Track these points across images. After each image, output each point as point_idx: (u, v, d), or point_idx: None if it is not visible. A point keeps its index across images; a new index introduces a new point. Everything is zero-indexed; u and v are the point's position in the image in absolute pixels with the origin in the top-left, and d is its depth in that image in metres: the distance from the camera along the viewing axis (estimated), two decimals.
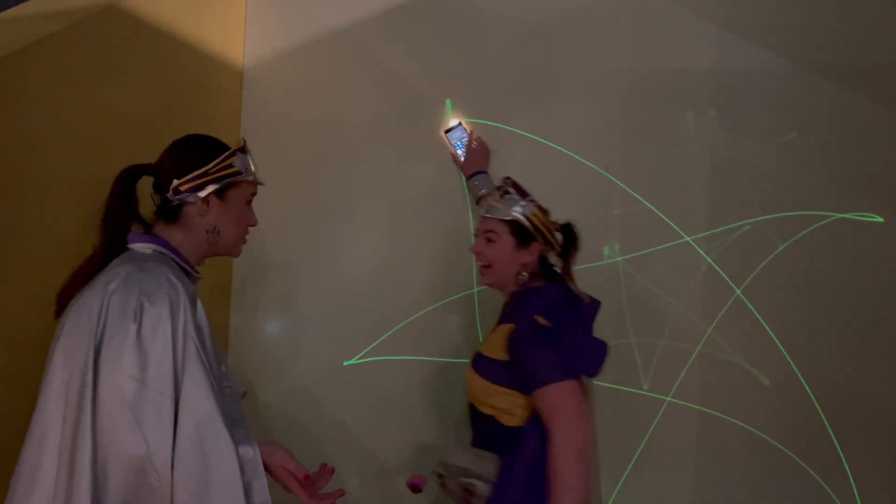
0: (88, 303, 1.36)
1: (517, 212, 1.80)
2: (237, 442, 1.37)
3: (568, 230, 1.86)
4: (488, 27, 2.39)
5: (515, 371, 1.69)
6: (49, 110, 1.70)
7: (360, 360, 2.43)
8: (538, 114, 2.36)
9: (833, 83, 2.25)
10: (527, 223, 1.80)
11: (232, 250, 1.60)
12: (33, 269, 1.65)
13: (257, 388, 2.43)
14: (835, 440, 2.23)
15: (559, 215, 2.33)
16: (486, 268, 1.84)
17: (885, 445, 2.22)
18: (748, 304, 2.26)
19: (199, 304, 1.45)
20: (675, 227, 2.28)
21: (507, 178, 1.88)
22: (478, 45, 2.39)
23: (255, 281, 2.48)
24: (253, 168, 1.58)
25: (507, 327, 1.73)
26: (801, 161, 2.25)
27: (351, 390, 2.44)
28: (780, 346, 2.25)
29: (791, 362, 2.24)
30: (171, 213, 1.51)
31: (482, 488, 1.70)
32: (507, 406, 1.72)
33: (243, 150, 1.56)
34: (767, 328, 2.25)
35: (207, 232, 1.51)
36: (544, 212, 1.86)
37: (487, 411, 1.75)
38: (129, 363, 1.30)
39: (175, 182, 1.48)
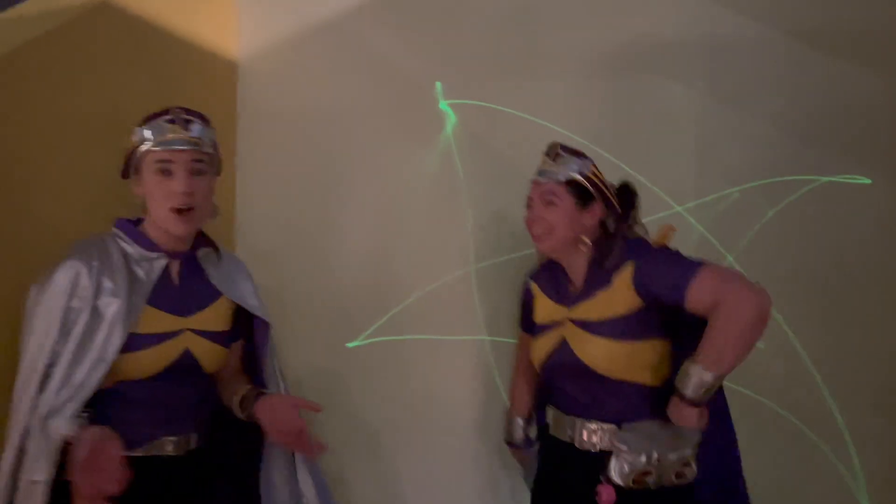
0: None
1: (574, 170, 1.73)
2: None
3: (626, 189, 1.78)
4: (475, 8, 2.42)
5: (655, 307, 1.61)
6: (45, 108, 1.75)
7: (363, 342, 2.48)
8: (527, 91, 2.39)
9: (817, 49, 2.27)
10: (586, 182, 1.72)
11: (165, 223, 1.59)
12: (34, 262, 1.70)
13: None
14: (831, 401, 2.26)
15: None
16: (545, 234, 1.74)
17: (881, 405, 2.25)
18: (741, 270, 2.29)
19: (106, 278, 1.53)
20: (666, 198, 2.31)
21: (557, 143, 1.81)
22: (466, 27, 2.43)
23: (256, 267, 2.53)
24: (158, 135, 1.55)
25: (625, 272, 1.63)
26: (788, 127, 2.27)
27: (355, 372, 2.49)
28: (774, 310, 2.27)
29: (785, 326, 2.27)
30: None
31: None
32: (655, 360, 1.64)
33: (148, 118, 1.58)
34: None
35: (148, 212, 1.60)
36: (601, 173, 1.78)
37: (637, 378, 1.64)
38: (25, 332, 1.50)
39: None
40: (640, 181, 2.31)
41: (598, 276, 1.70)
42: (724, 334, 1.50)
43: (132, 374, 1.54)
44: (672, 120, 2.33)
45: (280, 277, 2.53)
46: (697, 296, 1.53)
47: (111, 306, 1.51)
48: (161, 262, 1.62)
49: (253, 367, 1.82)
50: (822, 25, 2.27)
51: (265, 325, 1.77)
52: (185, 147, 1.55)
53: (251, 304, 1.76)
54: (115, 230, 1.62)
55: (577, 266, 1.77)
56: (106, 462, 1.33)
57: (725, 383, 2.27)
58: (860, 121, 2.25)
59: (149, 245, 1.60)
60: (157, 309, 1.58)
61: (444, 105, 2.43)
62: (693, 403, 1.54)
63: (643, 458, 1.54)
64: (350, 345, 2.48)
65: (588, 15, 2.36)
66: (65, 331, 1.48)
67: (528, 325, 1.97)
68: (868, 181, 2.23)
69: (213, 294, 1.70)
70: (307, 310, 2.51)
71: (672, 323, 1.66)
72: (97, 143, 1.89)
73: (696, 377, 1.53)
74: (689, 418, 1.55)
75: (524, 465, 2.06)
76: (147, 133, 1.55)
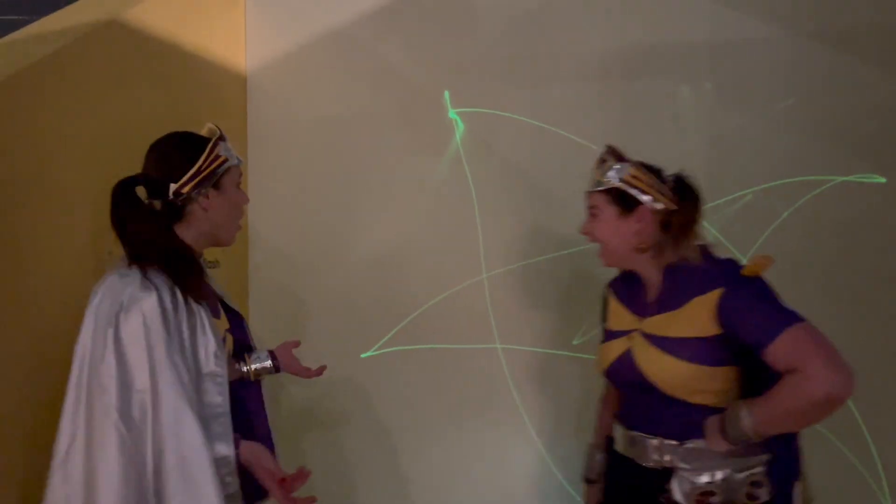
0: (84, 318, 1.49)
1: (611, 177, 1.63)
2: (213, 439, 1.44)
3: (680, 183, 1.66)
4: (481, 15, 2.43)
5: (733, 339, 1.49)
6: (59, 124, 1.76)
7: (376, 352, 2.48)
8: (535, 98, 2.39)
9: (828, 47, 2.25)
10: (625, 187, 1.62)
11: (230, 236, 1.64)
12: (49, 270, 1.71)
13: (276, 383, 2.49)
14: (851, 402, 2.24)
15: (561, 197, 2.38)
16: (601, 248, 1.68)
17: None
18: None
19: (188, 300, 1.51)
20: None
21: (607, 145, 1.71)
22: (472, 35, 2.43)
23: (270, 279, 2.55)
24: (232, 150, 1.64)
25: (711, 296, 1.51)
26: (800, 127, 2.26)
27: (369, 382, 2.49)
28: None
29: None
30: (175, 213, 1.58)
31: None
32: (725, 386, 1.54)
33: (223, 137, 1.61)
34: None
35: (200, 224, 1.58)
36: (649, 170, 1.65)
37: (699, 400, 1.54)
38: (107, 365, 1.41)
39: (173, 186, 1.54)
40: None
41: (678, 291, 1.59)
42: (785, 404, 1.42)
43: None
44: (682, 123, 2.32)
45: (293, 289, 2.54)
46: (779, 355, 1.43)
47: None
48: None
49: None
50: (831, 24, 2.26)
51: (240, 317, 1.82)
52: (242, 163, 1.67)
53: (228, 297, 1.79)
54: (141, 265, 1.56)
55: (651, 275, 1.66)
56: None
57: None
58: (873, 119, 2.23)
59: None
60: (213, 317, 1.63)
61: (452, 114, 2.44)
62: (728, 440, 1.49)
63: (705, 478, 1.49)
64: (364, 355, 2.48)
65: (594, 20, 2.36)
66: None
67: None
68: (883, 180, 2.21)
69: (214, 295, 1.73)
70: (320, 321, 2.51)
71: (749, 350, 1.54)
72: (109, 159, 1.90)
73: (742, 424, 1.45)
74: (718, 446, 1.50)
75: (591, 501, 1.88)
76: (229, 149, 1.61)
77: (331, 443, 2.50)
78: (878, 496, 2.22)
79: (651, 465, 1.58)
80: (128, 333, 1.43)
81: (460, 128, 2.44)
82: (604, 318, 1.82)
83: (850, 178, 2.23)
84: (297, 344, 1.90)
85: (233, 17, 2.52)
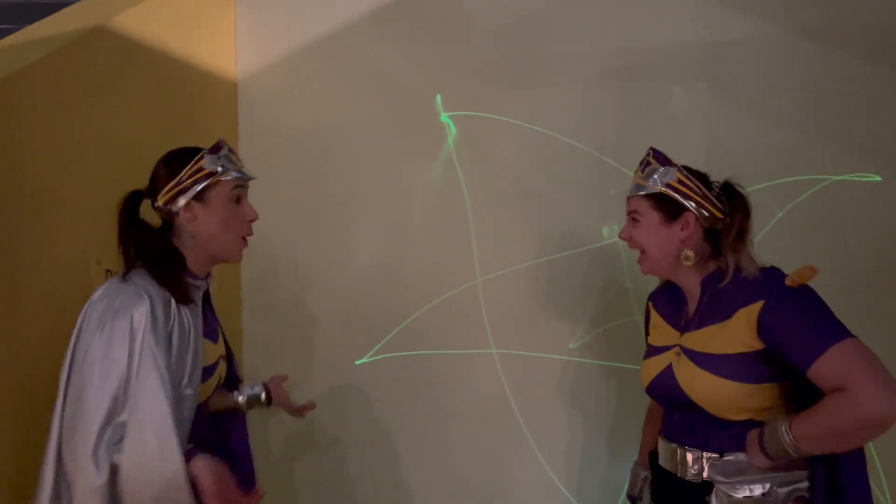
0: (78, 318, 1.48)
1: (656, 181, 1.56)
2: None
3: (729, 189, 1.59)
4: (473, 19, 2.42)
5: (774, 355, 1.44)
6: (46, 132, 1.74)
7: (371, 359, 2.46)
8: (529, 101, 2.38)
9: (821, 46, 2.24)
10: (670, 192, 1.55)
11: (229, 252, 1.61)
12: (36, 278, 1.69)
13: None
14: None
15: (555, 200, 2.37)
16: (641, 255, 1.62)
17: None
18: None
19: (183, 311, 1.50)
20: None
21: (651, 148, 1.65)
22: (464, 39, 2.42)
23: (263, 286, 2.53)
24: (232, 164, 1.59)
25: (752, 309, 1.45)
26: (794, 126, 2.25)
27: (365, 389, 2.47)
28: None
29: None
30: (168, 226, 1.58)
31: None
32: (770, 403, 1.48)
33: (215, 149, 1.58)
34: None
35: (190, 238, 1.55)
36: (697, 175, 1.59)
37: (743, 417, 1.49)
38: (88, 368, 1.40)
39: (157, 197, 1.55)
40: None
41: (718, 304, 1.53)
42: (829, 422, 1.37)
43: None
44: (676, 123, 2.31)
45: (287, 296, 2.52)
46: (824, 372, 1.37)
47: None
48: (202, 289, 1.62)
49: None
50: (825, 23, 2.25)
51: (230, 351, 1.82)
52: (252, 177, 1.63)
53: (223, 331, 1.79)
54: (142, 274, 1.55)
55: (691, 286, 1.60)
56: (230, 488, 1.42)
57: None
58: (867, 118, 2.22)
59: (192, 275, 1.59)
60: (206, 339, 1.61)
61: (444, 117, 2.42)
62: (767, 455, 1.45)
63: (743, 493, 1.45)
64: (359, 362, 2.46)
65: (586, 22, 2.35)
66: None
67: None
68: (878, 178, 2.20)
69: (215, 318, 1.71)
70: (314, 328, 2.49)
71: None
72: (97, 167, 1.89)
73: (782, 440, 1.41)
74: (758, 461, 1.46)
75: None
76: (219, 162, 1.57)
77: (326, 450, 2.48)
78: (879, 498, 2.20)
79: (691, 478, 1.53)
80: (114, 336, 1.42)
81: (453, 132, 2.43)
82: (646, 331, 1.78)
83: (846, 176, 2.22)
84: (285, 377, 1.92)
85: (223, 23, 2.51)
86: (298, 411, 1.92)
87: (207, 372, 1.58)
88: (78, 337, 1.46)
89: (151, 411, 1.38)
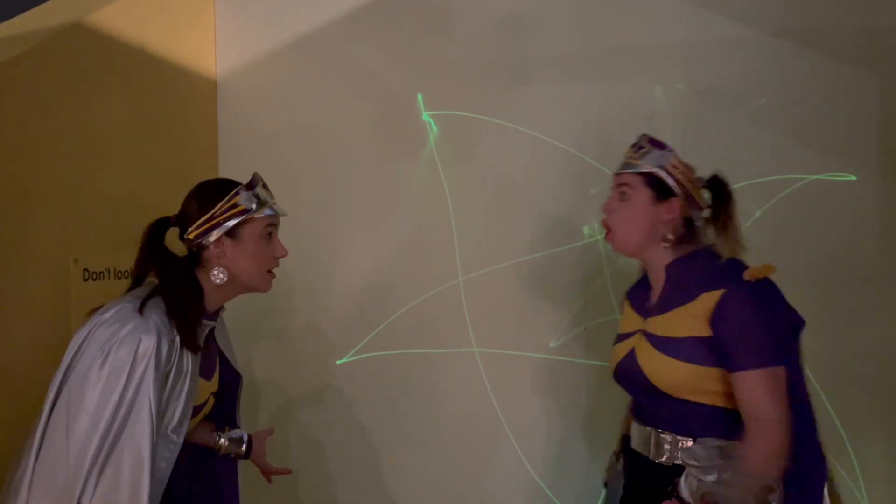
0: (80, 330, 1.44)
1: (654, 162, 1.61)
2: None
3: (716, 183, 1.64)
4: (454, 19, 2.42)
5: (720, 346, 1.49)
6: (22, 129, 1.73)
7: (352, 358, 2.46)
8: (510, 100, 2.38)
9: (798, 47, 2.26)
10: (664, 175, 1.60)
11: (259, 285, 1.61)
12: (12, 276, 1.68)
13: (252, 390, 2.45)
14: (825, 401, 2.24)
15: (537, 200, 2.38)
16: (612, 231, 1.64)
17: (875, 404, 2.23)
18: None
19: (185, 352, 1.47)
20: None
21: (644, 134, 1.71)
22: (445, 38, 2.42)
23: None
24: (266, 200, 1.59)
25: (711, 297, 1.49)
26: (771, 126, 2.27)
27: (346, 389, 2.47)
28: None
29: None
30: (193, 258, 1.57)
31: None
32: (724, 387, 1.51)
33: (251, 185, 1.58)
34: None
35: (214, 273, 1.53)
36: (687, 166, 1.65)
37: (706, 400, 1.52)
38: (77, 393, 1.38)
39: (188, 230, 1.53)
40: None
41: (680, 291, 1.58)
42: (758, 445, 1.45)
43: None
44: (655, 123, 2.32)
45: (266, 296, 2.50)
46: (742, 386, 1.46)
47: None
48: (208, 328, 1.60)
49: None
50: (802, 25, 2.27)
51: (238, 377, 1.79)
52: (284, 213, 1.64)
53: (233, 358, 1.77)
54: (157, 306, 1.51)
55: (657, 272, 1.65)
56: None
57: None
58: (844, 118, 2.25)
59: (205, 313, 1.58)
60: (200, 377, 1.58)
61: (426, 117, 2.42)
62: None
63: (713, 476, 1.48)
64: (340, 361, 2.45)
65: (567, 22, 2.36)
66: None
67: None
68: (853, 178, 2.23)
69: (215, 354, 1.70)
70: (295, 328, 2.48)
71: None
72: (74, 165, 1.87)
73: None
74: None
75: None
76: (254, 199, 1.57)
77: (308, 450, 2.47)
78: (856, 496, 2.23)
79: (664, 461, 1.56)
80: (116, 363, 1.39)
81: (434, 131, 2.43)
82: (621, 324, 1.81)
83: (822, 176, 2.25)
84: (271, 432, 1.91)
85: (203, 20, 2.49)
86: (270, 473, 1.88)
87: (195, 410, 1.56)
88: (76, 354, 1.42)
89: (132, 451, 1.37)
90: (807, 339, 2.22)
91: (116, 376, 1.38)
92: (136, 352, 1.39)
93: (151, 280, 1.54)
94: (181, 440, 1.47)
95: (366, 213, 2.46)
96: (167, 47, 2.28)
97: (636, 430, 1.66)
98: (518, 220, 2.39)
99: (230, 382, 1.75)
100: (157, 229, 1.55)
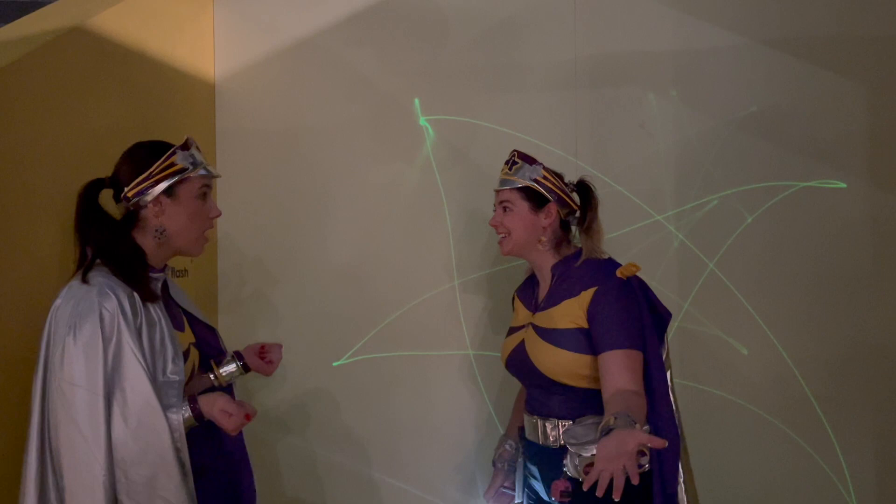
0: (43, 330, 1.50)
1: (527, 177, 1.85)
2: (166, 407, 1.48)
3: (583, 186, 1.88)
4: (450, 25, 2.44)
5: (592, 334, 1.71)
6: (23, 132, 1.73)
7: (348, 360, 2.47)
8: (505, 106, 2.41)
9: (789, 55, 2.30)
10: (537, 186, 1.83)
11: (192, 246, 1.64)
12: (13, 277, 1.69)
13: (246, 393, 2.47)
14: (815, 403, 2.28)
15: None
16: (505, 237, 1.86)
17: (864, 405, 2.27)
18: (721, 276, 2.31)
19: (148, 305, 1.53)
20: (645, 207, 2.34)
21: (514, 150, 1.93)
22: (441, 44, 2.44)
23: (239, 287, 2.52)
24: (200, 161, 1.62)
25: (588, 293, 1.72)
26: (763, 134, 2.31)
27: (342, 391, 2.48)
28: (756, 315, 2.30)
29: (767, 330, 2.30)
30: (130, 219, 1.59)
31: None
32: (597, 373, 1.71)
33: (185, 146, 1.61)
34: (742, 298, 2.30)
35: (156, 231, 1.57)
36: (556, 174, 1.88)
37: (585, 385, 1.73)
38: (67, 371, 1.43)
39: (125, 189, 1.56)
40: (619, 192, 2.35)
41: (563, 288, 1.80)
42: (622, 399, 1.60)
43: None
44: (648, 130, 2.35)
45: (263, 298, 2.52)
46: (607, 364, 1.66)
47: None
48: (160, 281, 1.64)
49: None
50: (793, 34, 2.31)
51: (213, 329, 1.84)
52: (217, 175, 1.67)
53: (200, 313, 1.81)
54: (103, 272, 1.56)
55: (544, 271, 1.87)
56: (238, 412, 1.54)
57: (706, 388, 2.30)
58: (834, 126, 2.29)
59: (152, 269, 1.62)
60: (176, 329, 1.63)
61: (423, 121, 2.45)
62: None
63: (592, 450, 1.60)
64: (336, 363, 2.47)
65: (562, 29, 2.39)
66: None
67: None
68: (843, 185, 2.27)
69: (178, 308, 1.73)
70: (291, 330, 2.49)
71: None
72: (74, 167, 1.87)
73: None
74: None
75: (490, 488, 2.05)
76: (190, 159, 1.60)
77: (303, 451, 2.49)
78: (843, 496, 2.26)
79: (550, 444, 1.77)
80: (85, 337, 1.44)
81: (431, 135, 2.45)
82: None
83: (812, 183, 2.29)
84: (260, 346, 1.91)
85: (201, 24, 2.51)
86: (268, 364, 1.87)
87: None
88: (48, 343, 1.47)
89: (134, 394, 1.44)
90: (796, 344, 2.28)
91: (93, 345, 1.44)
92: (100, 316, 1.45)
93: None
94: (182, 377, 1.54)
95: (362, 215, 2.48)
96: (166, 50, 2.30)
97: (527, 421, 1.86)
98: None
99: (207, 336, 1.79)
100: (91, 191, 1.58)
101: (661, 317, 1.78)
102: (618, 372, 1.65)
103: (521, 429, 1.94)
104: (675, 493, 1.70)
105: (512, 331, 1.93)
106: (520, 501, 1.96)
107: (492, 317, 2.42)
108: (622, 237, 2.34)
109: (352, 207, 2.48)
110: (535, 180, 1.84)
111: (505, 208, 1.86)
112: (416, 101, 2.44)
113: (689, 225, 2.33)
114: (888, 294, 2.26)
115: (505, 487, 2.00)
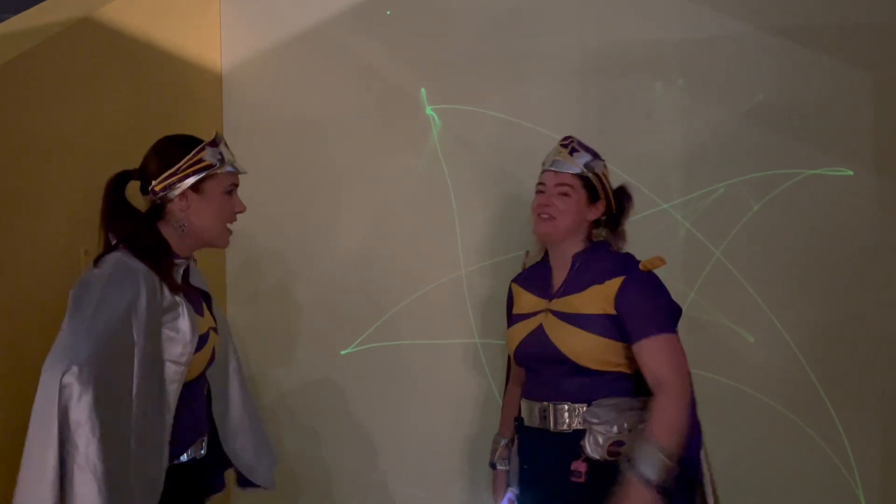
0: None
1: (589, 167, 1.83)
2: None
3: (622, 193, 1.88)
4: (457, 15, 2.44)
5: (620, 321, 1.73)
6: (32, 124, 1.75)
7: (356, 348, 2.49)
8: (511, 95, 2.41)
9: (796, 44, 2.30)
10: (600, 180, 1.83)
11: (217, 240, 1.66)
12: (24, 270, 1.71)
13: (255, 381, 2.49)
14: (821, 390, 2.29)
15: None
16: (548, 219, 1.81)
17: (869, 392, 2.28)
18: (728, 264, 2.31)
19: (163, 290, 1.54)
20: (652, 196, 2.34)
21: (571, 136, 1.89)
22: (448, 33, 2.45)
23: (248, 276, 2.55)
24: (229, 158, 1.63)
25: (614, 282, 1.74)
26: (770, 122, 2.30)
27: (350, 379, 2.50)
28: (762, 303, 2.31)
29: (773, 318, 2.30)
30: (156, 211, 1.61)
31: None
32: (626, 358, 1.74)
33: (214, 142, 1.62)
34: (748, 286, 2.30)
35: (177, 226, 1.59)
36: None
37: (608, 368, 1.74)
38: (65, 344, 1.42)
39: (152, 183, 1.57)
40: (626, 180, 2.33)
41: (585, 277, 1.80)
42: (671, 422, 1.63)
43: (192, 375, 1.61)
44: (655, 119, 2.35)
45: (272, 287, 2.54)
46: (646, 351, 1.69)
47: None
48: (182, 267, 1.66)
49: None
50: (799, 22, 2.30)
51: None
52: (244, 172, 1.69)
53: (214, 297, 1.83)
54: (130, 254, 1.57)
55: (563, 260, 1.85)
56: None
57: (715, 377, 2.31)
58: (840, 114, 2.28)
59: (176, 256, 1.64)
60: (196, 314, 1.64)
61: (429, 110, 2.45)
62: (650, 484, 1.57)
63: (615, 428, 1.67)
64: (344, 352, 2.49)
65: (569, 18, 2.38)
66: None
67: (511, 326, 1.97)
68: (850, 173, 2.26)
69: (199, 294, 1.74)
70: (299, 319, 2.52)
71: None
72: (83, 158, 1.89)
73: (658, 458, 1.58)
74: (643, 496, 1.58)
75: (497, 490, 2.01)
76: (219, 155, 1.62)
77: (311, 439, 2.51)
78: (849, 482, 2.27)
79: (564, 429, 1.74)
80: (120, 279, 1.46)
81: (437, 124, 2.46)
82: (509, 310, 1.97)
83: (819, 171, 2.28)
84: None
85: (208, 15, 2.52)
86: None
87: (200, 341, 1.60)
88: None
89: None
90: (803, 332, 2.29)
91: (117, 290, 1.46)
92: (139, 278, 1.48)
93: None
94: (185, 367, 1.55)
95: (369, 205, 2.49)
96: (174, 41, 2.31)
97: (529, 407, 1.83)
98: (519, 212, 2.41)
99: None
100: (119, 183, 1.59)
101: (678, 308, 1.80)
102: (655, 362, 1.67)
103: (516, 420, 1.91)
104: (700, 478, 1.74)
105: (518, 318, 1.89)
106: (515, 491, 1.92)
107: (499, 305, 2.42)
108: (629, 225, 2.30)
109: (359, 197, 2.49)
110: (598, 175, 1.82)
111: (564, 193, 1.81)
112: (423, 90, 2.45)
113: (696, 213, 2.33)
114: (895, 281, 2.26)
115: (511, 491, 1.95)
